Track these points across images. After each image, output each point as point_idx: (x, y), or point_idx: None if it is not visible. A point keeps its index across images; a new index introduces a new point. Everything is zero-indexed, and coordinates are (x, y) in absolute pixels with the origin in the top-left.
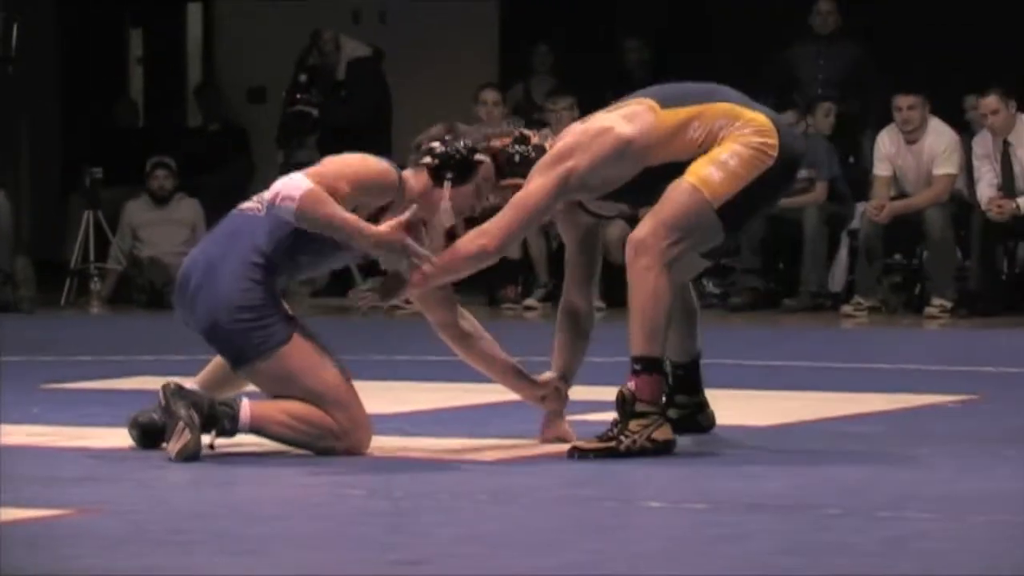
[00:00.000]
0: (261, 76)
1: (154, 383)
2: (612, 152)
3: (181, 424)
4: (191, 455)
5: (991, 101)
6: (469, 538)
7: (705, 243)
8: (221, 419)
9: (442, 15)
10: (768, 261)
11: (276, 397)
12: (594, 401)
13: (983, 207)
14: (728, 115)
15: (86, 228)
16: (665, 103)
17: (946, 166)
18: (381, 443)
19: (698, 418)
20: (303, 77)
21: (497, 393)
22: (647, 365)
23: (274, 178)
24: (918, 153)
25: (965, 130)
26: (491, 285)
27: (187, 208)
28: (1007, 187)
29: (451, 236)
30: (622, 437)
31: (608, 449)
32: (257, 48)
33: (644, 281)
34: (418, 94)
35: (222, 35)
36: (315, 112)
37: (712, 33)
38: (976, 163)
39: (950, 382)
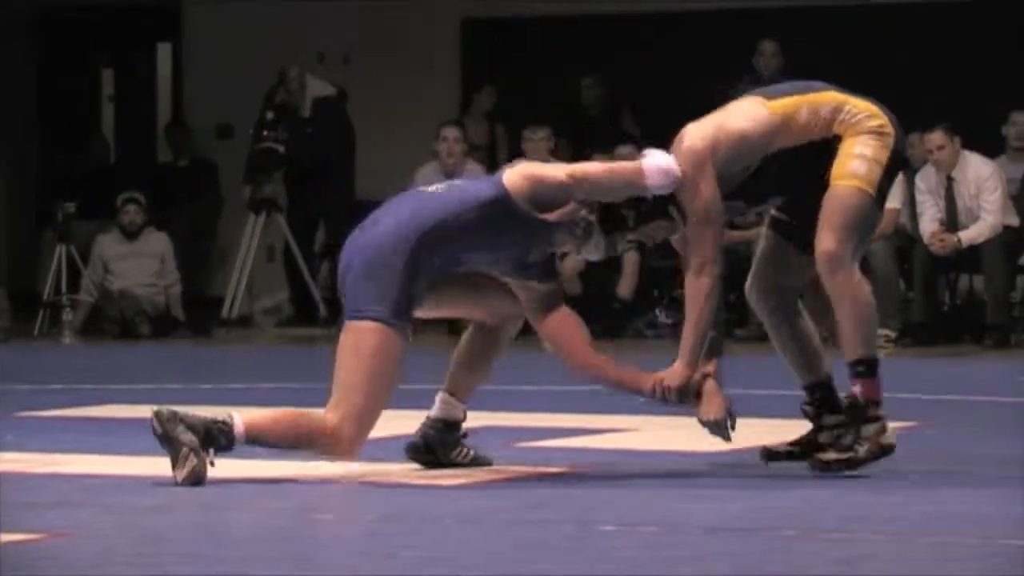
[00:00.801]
0: (229, 113)
1: (125, 412)
2: (735, 147)
3: (185, 450)
4: (198, 479)
5: (936, 137)
6: (435, 560)
7: (871, 231)
8: (217, 436)
9: (404, 56)
10: (727, 290)
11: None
12: (552, 428)
13: (926, 241)
14: (835, 101)
15: (59, 261)
16: (771, 96)
17: (890, 201)
18: (349, 469)
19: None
20: (270, 114)
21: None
22: (869, 367)
23: (242, 213)
24: None
25: (908, 166)
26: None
27: (156, 241)
28: (950, 222)
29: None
30: (857, 446)
31: (848, 460)
32: (225, 86)
33: (848, 289)
34: (381, 132)
35: (191, 74)
36: (282, 148)
37: (662, 71)
38: (919, 198)
39: (895, 409)
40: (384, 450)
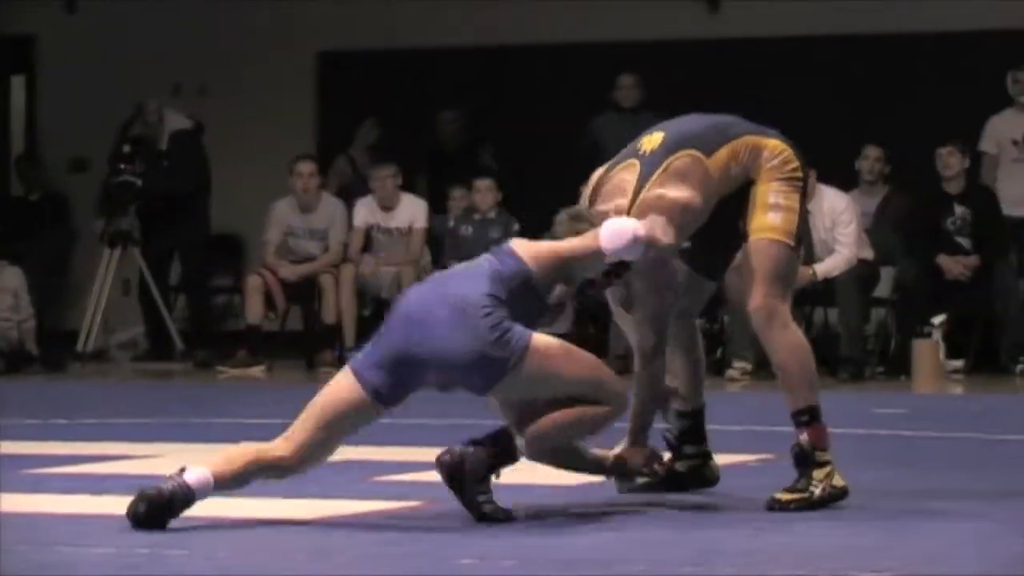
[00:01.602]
0: (83, 146)
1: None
2: (687, 218)
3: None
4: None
5: None
6: None
7: (794, 278)
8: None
9: (260, 88)
10: (577, 325)
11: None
12: (409, 462)
13: None
14: (752, 144)
15: None
16: (707, 150)
17: None
18: (203, 505)
19: (704, 471)
20: (127, 147)
21: None
22: (814, 414)
23: (96, 246)
24: None
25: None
26: (309, 349)
27: (10, 276)
28: (806, 254)
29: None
30: (812, 488)
31: (804, 499)
32: (79, 119)
33: (785, 340)
34: (236, 165)
35: (44, 106)
36: (139, 182)
37: (521, 104)
38: None
39: (750, 441)
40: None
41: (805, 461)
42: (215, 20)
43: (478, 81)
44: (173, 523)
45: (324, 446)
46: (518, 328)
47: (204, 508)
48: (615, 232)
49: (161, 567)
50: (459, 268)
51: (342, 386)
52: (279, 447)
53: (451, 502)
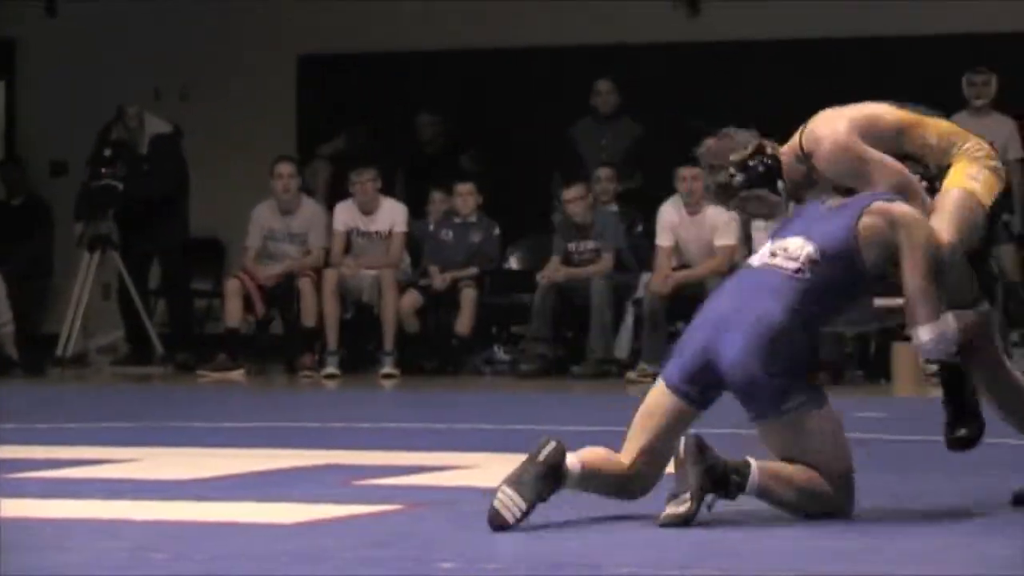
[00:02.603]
0: (63, 150)
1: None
2: (869, 127)
3: (688, 494)
4: (681, 523)
5: None
6: None
7: (973, 237)
8: (731, 483)
9: (240, 92)
10: (556, 329)
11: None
12: (391, 466)
13: None
14: (954, 133)
15: None
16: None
17: (726, 237)
18: (182, 508)
19: None
20: (107, 151)
21: (296, 459)
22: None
23: (74, 250)
24: (700, 224)
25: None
26: (289, 353)
27: None
28: None
29: None
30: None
31: None
32: (59, 123)
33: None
34: (217, 168)
35: (25, 111)
36: (120, 186)
37: (501, 107)
38: (755, 235)
39: (725, 444)
40: (217, 489)
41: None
42: (196, 24)
43: (458, 85)
44: (154, 525)
45: (659, 453)
46: (807, 396)
47: (187, 511)
48: (939, 337)
49: (144, 569)
50: (766, 267)
51: (656, 395)
52: (621, 457)
53: (433, 505)
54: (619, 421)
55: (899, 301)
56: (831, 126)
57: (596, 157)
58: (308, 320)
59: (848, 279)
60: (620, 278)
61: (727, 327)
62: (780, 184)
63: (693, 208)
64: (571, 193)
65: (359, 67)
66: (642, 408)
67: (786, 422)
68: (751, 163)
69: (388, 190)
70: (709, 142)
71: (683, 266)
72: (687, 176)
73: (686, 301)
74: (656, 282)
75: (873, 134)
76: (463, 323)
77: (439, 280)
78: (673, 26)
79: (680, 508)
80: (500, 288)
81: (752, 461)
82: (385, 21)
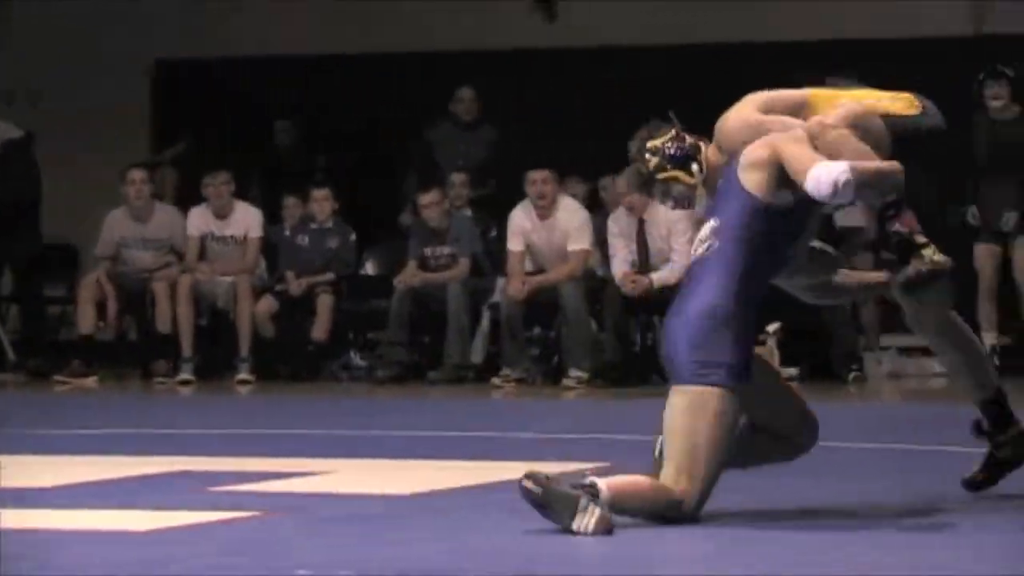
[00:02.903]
0: None
1: None
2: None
3: (584, 501)
4: (610, 527)
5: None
6: None
7: None
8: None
9: (94, 96)
10: (413, 334)
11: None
12: (246, 472)
13: (618, 282)
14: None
15: None
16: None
17: (579, 242)
18: (36, 516)
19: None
20: None
21: (151, 466)
22: (898, 207)
23: None
24: (551, 228)
25: (601, 209)
26: (144, 360)
27: None
28: (642, 263)
29: None
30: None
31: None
32: None
33: None
34: (70, 174)
35: None
36: None
37: (358, 113)
38: (611, 240)
39: (586, 450)
40: (70, 497)
41: (909, 248)
42: (49, 28)
43: (315, 90)
44: (5, 533)
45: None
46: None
47: (40, 518)
48: (816, 179)
49: None
50: (695, 264)
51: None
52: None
53: (289, 512)
54: (477, 427)
55: (870, 275)
56: (735, 107)
57: (454, 163)
58: (163, 326)
59: (754, 224)
60: (476, 283)
61: (672, 329)
62: (695, 167)
63: (543, 212)
64: (427, 198)
65: (215, 72)
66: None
67: (686, 394)
68: (666, 147)
69: (244, 195)
70: (636, 135)
71: (539, 271)
72: (537, 180)
73: (541, 307)
74: (511, 287)
75: (778, 108)
76: (319, 329)
77: (295, 286)
78: (531, 32)
79: (594, 517)
80: (356, 294)
81: (595, 478)
82: (242, 26)
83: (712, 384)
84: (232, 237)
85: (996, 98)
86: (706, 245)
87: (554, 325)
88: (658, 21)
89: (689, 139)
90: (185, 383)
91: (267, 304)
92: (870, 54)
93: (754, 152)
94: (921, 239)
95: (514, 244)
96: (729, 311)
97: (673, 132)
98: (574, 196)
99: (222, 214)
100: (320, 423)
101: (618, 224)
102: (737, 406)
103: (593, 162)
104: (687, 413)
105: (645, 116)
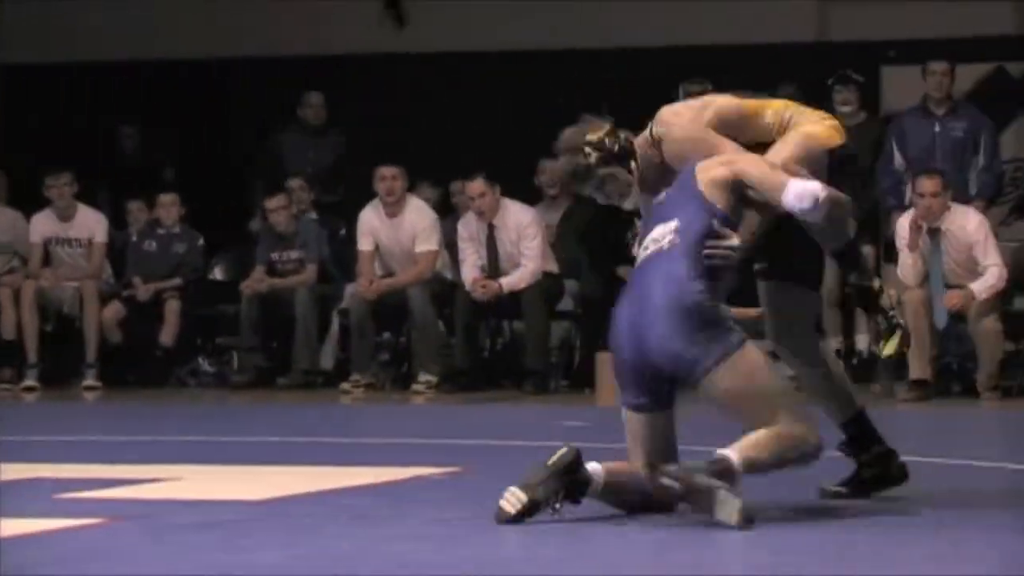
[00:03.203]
0: None
1: None
2: None
3: (722, 492)
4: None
5: (477, 185)
6: None
7: None
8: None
9: None
10: (263, 339)
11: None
12: (93, 479)
13: (468, 287)
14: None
15: None
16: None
17: (428, 243)
18: None
19: (889, 471)
20: None
21: None
22: None
23: None
24: (399, 227)
25: (452, 214)
26: None
27: None
28: (491, 268)
29: None
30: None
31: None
32: None
33: None
34: None
35: None
36: None
37: (204, 119)
38: (461, 245)
39: (435, 455)
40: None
41: (867, 297)
42: None
43: (161, 95)
44: None
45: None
46: (721, 346)
47: None
48: (799, 193)
49: None
50: (645, 261)
51: (630, 423)
52: None
53: (135, 519)
54: (325, 432)
55: (752, 312)
56: (679, 116)
57: (303, 169)
58: (7, 332)
59: (713, 232)
60: (324, 288)
61: (642, 328)
62: (632, 164)
63: (392, 210)
64: (274, 203)
65: (63, 77)
66: (628, 439)
67: (723, 370)
68: (607, 142)
69: (93, 201)
70: (566, 130)
71: (389, 274)
72: (387, 176)
73: (391, 311)
74: (361, 288)
75: (722, 121)
76: (167, 334)
77: (143, 291)
78: (381, 38)
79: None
80: (204, 299)
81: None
82: (88, 32)
83: (736, 345)
84: (76, 241)
85: (845, 103)
86: (667, 241)
87: (404, 330)
88: (506, 27)
89: (623, 134)
90: (30, 389)
91: (114, 310)
92: (717, 60)
93: (715, 170)
94: (876, 283)
95: (364, 244)
96: (705, 297)
97: (608, 128)
98: (427, 200)
99: (65, 217)
100: (168, 429)
101: (467, 229)
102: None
103: (444, 167)
104: (742, 376)
105: (493, 121)
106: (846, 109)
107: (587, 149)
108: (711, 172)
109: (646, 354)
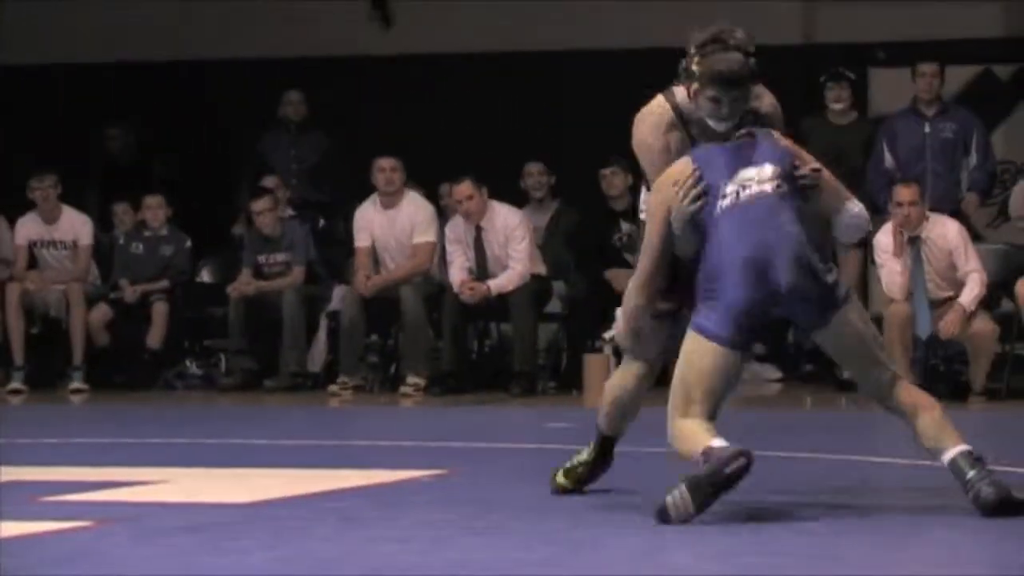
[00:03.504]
0: None
1: None
2: None
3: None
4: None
5: (464, 188)
6: None
7: None
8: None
9: None
10: (250, 342)
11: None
12: (77, 482)
13: (455, 289)
14: None
15: None
16: None
17: (426, 234)
18: None
19: None
20: None
21: None
22: None
23: None
24: (396, 219)
25: (439, 216)
26: None
27: None
28: (479, 270)
29: None
30: None
31: None
32: None
33: None
34: None
35: None
36: None
37: (193, 119)
38: (449, 247)
39: (423, 458)
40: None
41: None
42: None
43: (148, 96)
44: None
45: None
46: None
47: None
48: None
49: None
50: (753, 198)
51: (710, 355)
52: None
53: (121, 522)
54: (313, 434)
55: (663, 305)
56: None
57: (287, 169)
58: None
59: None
60: (312, 290)
61: (767, 263)
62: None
63: (389, 201)
64: (259, 205)
65: (50, 79)
66: (691, 376)
67: (849, 309)
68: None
69: (81, 202)
70: (724, 27)
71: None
72: (385, 167)
73: (380, 313)
74: (358, 283)
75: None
76: (154, 337)
77: (130, 293)
78: (367, 39)
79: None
80: (192, 302)
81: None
82: (73, 33)
83: (848, 296)
84: (61, 243)
85: (837, 100)
86: (772, 186)
87: (392, 332)
88: (491, 28)
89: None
90: (16, 392)
91: (101, 312)
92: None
93: (798, 148)
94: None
95: (361, 240)
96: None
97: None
98: None
99: (50, 219)
100: (155, 432)
101: (455, 231)
102: None
103: (431, 169)
104: (862, 315)
105: (480, 123)
106: (838, 106)
107: (751, 59)
108: (794, 145)
109: (779, 287)
